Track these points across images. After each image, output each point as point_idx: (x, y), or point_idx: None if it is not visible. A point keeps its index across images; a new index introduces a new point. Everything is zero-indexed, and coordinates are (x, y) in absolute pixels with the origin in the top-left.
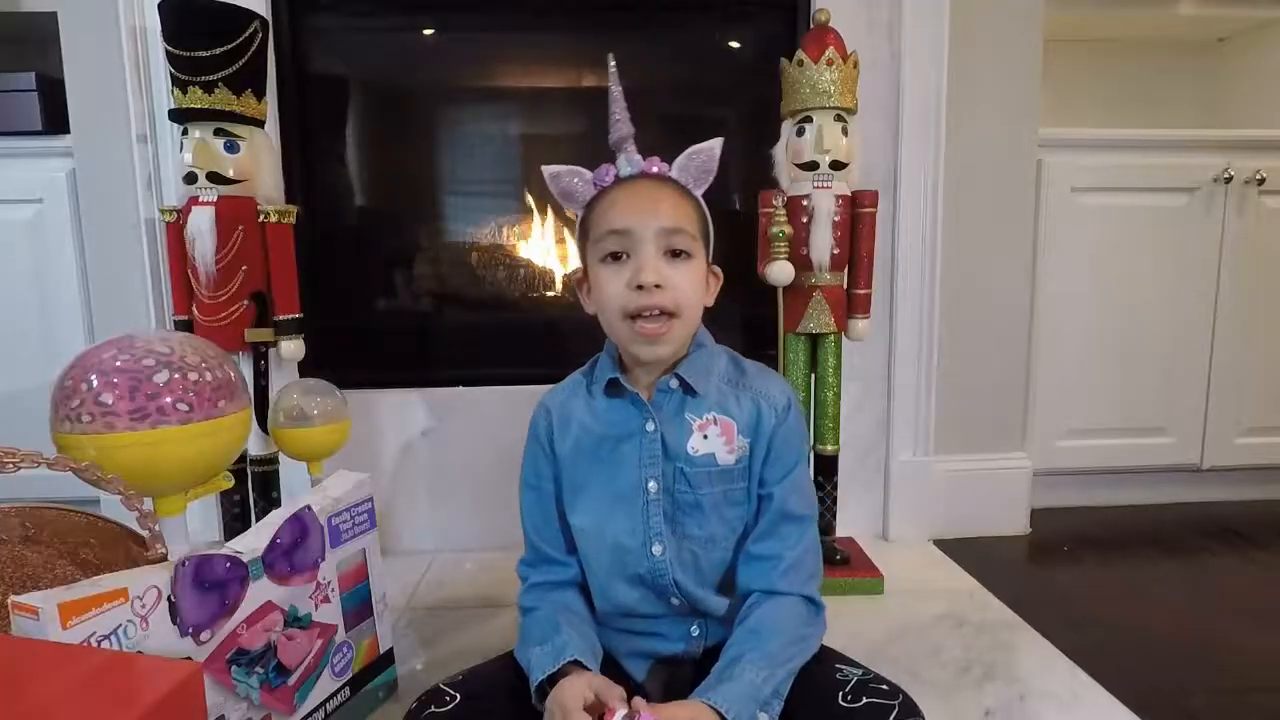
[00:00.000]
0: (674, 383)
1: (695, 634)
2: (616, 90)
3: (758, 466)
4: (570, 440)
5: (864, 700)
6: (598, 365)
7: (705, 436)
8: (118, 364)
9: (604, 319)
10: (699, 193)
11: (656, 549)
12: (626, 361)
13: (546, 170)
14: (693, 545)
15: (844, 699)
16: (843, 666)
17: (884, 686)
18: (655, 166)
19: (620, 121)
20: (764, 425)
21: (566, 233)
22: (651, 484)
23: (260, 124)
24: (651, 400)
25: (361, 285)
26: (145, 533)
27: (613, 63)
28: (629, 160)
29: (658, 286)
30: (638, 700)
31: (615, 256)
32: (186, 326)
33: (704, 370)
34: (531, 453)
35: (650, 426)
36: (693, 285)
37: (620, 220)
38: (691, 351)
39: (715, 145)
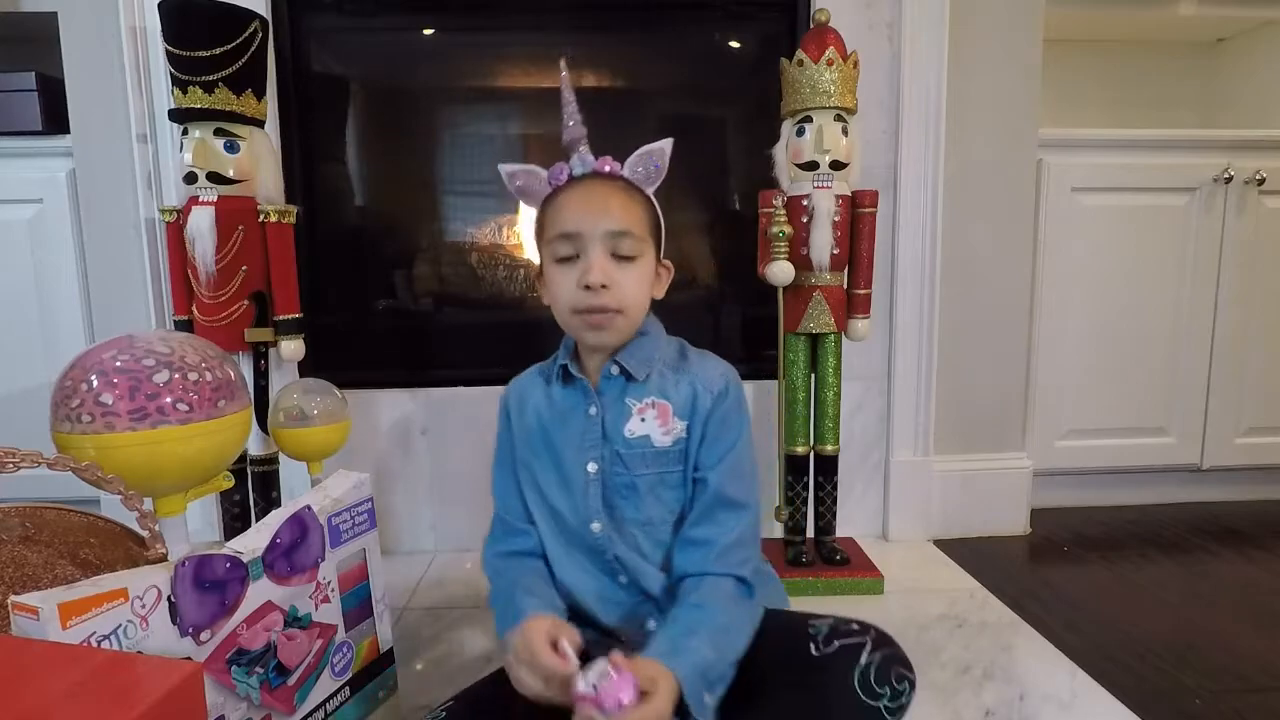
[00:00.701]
0: (614, 369)
1: (651, 628)
2: (568, 94)
3: (694, 449)
4: (525, 421)
5: (836, 644)
6: (557, 356)
7: (643, 419)
8: (118, 364)
9: (556, 313)
10: (650, 190)
11: (595, 526)
12: (580, 351)
13: (504, 169)
14: (631, 528)
15: (815, 649)
16: (814, 621)
17: (854, 626)
18: (607, 166)
19: (573, 124)
20: (699, 407)
21: None
22: (591, 465)
23: (260, 124)
24: (596, 386)
25: (361, 285)
26: (145, 533)
27: (564, 67)
28: (582, 160)
29: (604, 287)
30: (615, 655)
31: (567, 259)
32: (186, 326)
33: (644, 357)
34: (498, 431)
35: (593, 410)
36: (637, 285)
37: (571, 223)
38: (633, 340)
39: (666, 145)
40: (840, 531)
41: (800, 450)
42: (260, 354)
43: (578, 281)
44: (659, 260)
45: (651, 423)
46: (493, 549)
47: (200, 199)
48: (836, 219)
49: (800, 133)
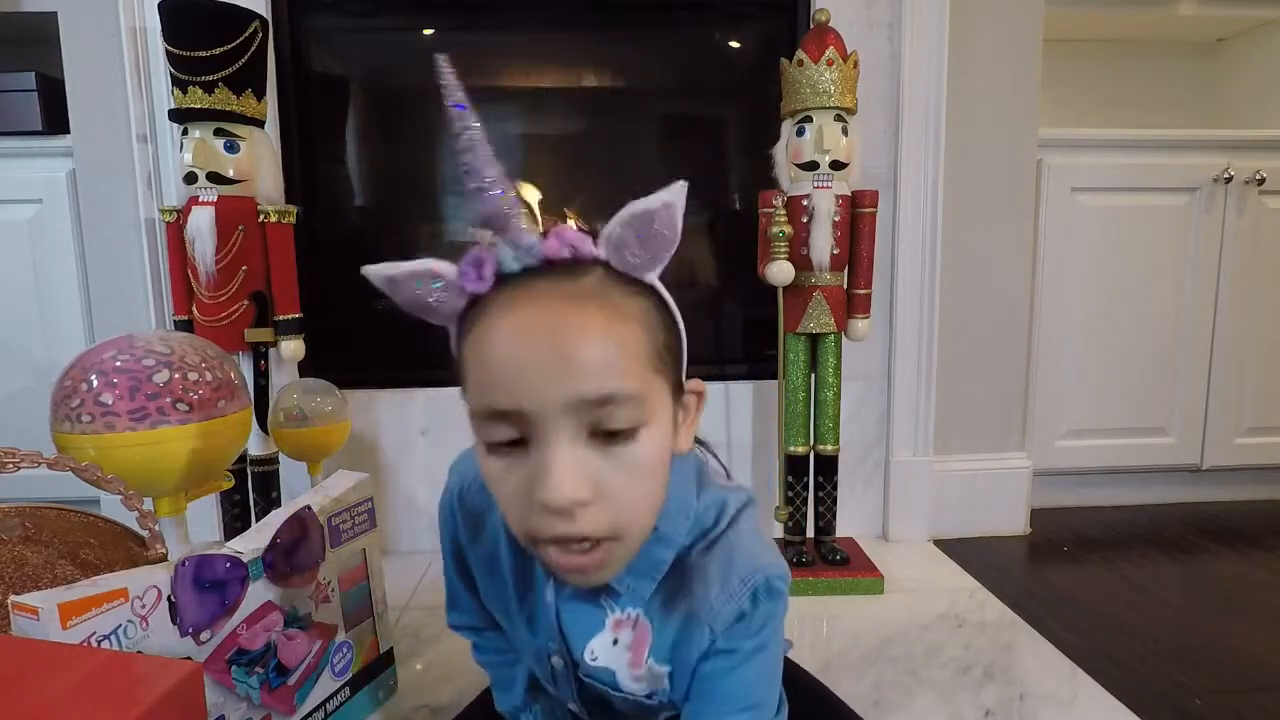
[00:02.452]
0: None
1: None
2: (471, 133)
3: (680, 694)
4: (481, 550)
5: None
6: None
7: (615, 641)
8: (118, 364)
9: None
10: (653, 275)
11: (572, 705)
12: None
13: (372, 273)
14: (621, 714)
15: None
16: None
17: None
18: (567, 249)
19: (488, 183)
20: (694, 648)
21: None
22: (555, 659)
23: (260, 124)
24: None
25: (362, 285)
26: (145, 533)
27: (447, 71)
28: (515, 244)
29: (581, 504)
30: None
31: (507, 446)
32: (186, 326)
33: (644, 569)
34: (440, 529)
35: (548, 596)
36: (643, 484)
37: (504, 390)
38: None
39: (675, 199)
40: (840, 531)
41: (800, 450)
42: (260, 354)
43: (533, 493)
44: (677, 399)
45: (621, 652)
46: (453, 621)
47: (200, 199)
48: (836, 219)
49: (800, 133)
